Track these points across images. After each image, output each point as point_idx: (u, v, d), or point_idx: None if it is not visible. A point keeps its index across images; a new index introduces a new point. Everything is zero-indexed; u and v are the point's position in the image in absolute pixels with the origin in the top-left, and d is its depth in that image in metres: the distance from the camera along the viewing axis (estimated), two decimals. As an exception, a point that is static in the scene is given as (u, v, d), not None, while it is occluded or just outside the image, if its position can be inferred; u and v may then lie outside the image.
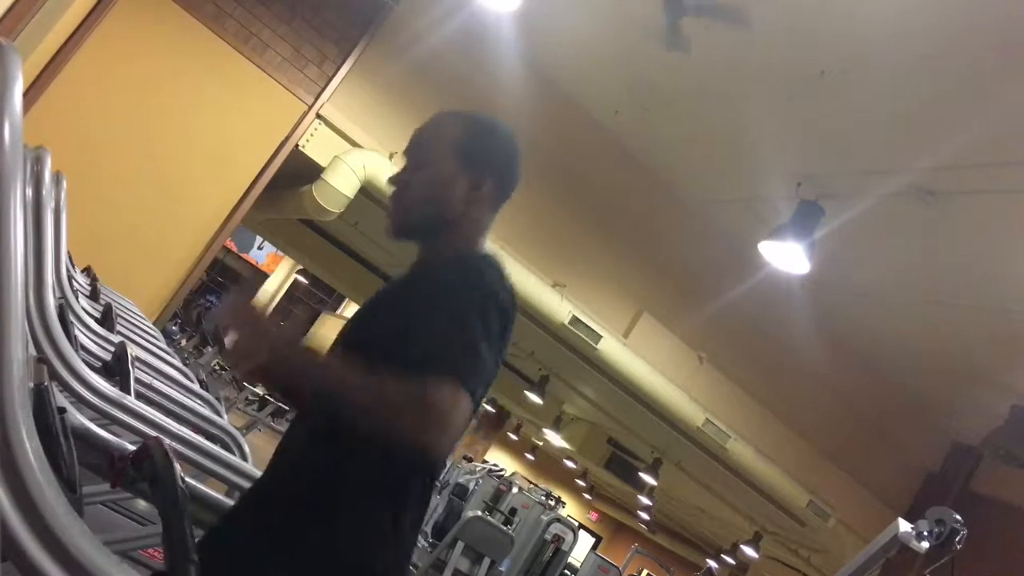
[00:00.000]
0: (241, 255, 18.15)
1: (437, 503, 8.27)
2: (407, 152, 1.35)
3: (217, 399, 3.47)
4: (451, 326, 1.11)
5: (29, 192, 1.74)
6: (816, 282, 5.46)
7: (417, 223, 1.32)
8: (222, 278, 19.47)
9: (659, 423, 6.95)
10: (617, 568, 8.25)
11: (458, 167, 1.30)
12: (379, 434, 1.05)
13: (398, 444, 1.05)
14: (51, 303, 1.74)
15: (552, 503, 9.79)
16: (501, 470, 11.07)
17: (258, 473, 1.86)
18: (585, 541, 16.81)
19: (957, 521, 2.56)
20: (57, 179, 2.39)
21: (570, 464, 16.44)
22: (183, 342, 9.27)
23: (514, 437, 17.78)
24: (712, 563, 12.10)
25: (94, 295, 2.97)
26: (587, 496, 19.81)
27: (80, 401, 1.66)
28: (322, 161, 5.29)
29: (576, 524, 8.54)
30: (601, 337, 5.99)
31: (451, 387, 1.04)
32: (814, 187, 4.72)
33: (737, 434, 6.60)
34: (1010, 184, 4.00)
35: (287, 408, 9.84)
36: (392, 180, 1.34)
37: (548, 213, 5.90)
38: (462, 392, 1.04)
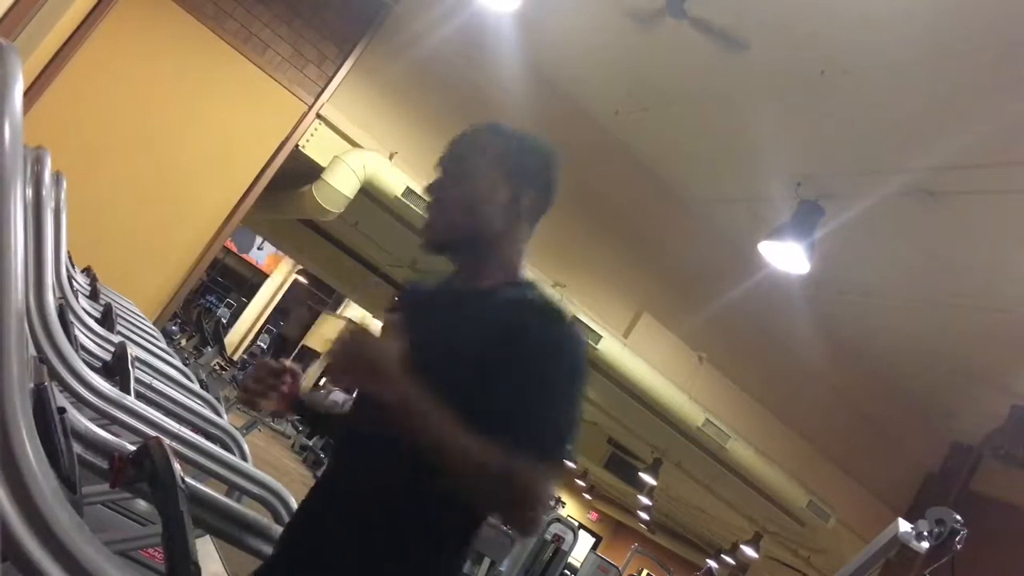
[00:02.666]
0: (241, 255, 18.15)
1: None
2: (443, 164, 1.31)
3: (217, 399, 3.46)
4: (552, 410, 1.11)
5: (29, 192, 1.74)
6: (816, 282, 5.46)
7: (457, 237, 1.27)
8: (222, 278, 19.48)
9: (659, 423, 6.94)
10: (617, 568, 8.25)
11: (499, 180, 1.27)
12: (476, 499, 1.08)
13: (489, 512, 1.09)
14: (51, 303, 1.74)
15: (552, 503, 9.77)
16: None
17: (257, 473, 1.86)
18: (585, 541, 16.81)
19: (957, 521, 2.57)
20: (57, 179, 2.39)
21: (570, 464, 16.42)
22: (183, 342, 9.27)
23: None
24: (712, 563, 12.10)
25: (94, 295, 2.97)
26: (587, 496, 19.80)
27: (80, 401, 1.66)
28: (322, 161, 5.29)
29: (576, 524, 8.53)
30: (601, 337, 5.99)
31: (551, 478, 1.06)
32: (814, 187, 4.72)
33: (737, 434, 6.59)
34: (1010, 184, 4.00)
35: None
36: (429, 190, 1.29)
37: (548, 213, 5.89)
38: (555, 479, 1.08)
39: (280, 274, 19.21)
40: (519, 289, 1.25)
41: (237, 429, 2.32)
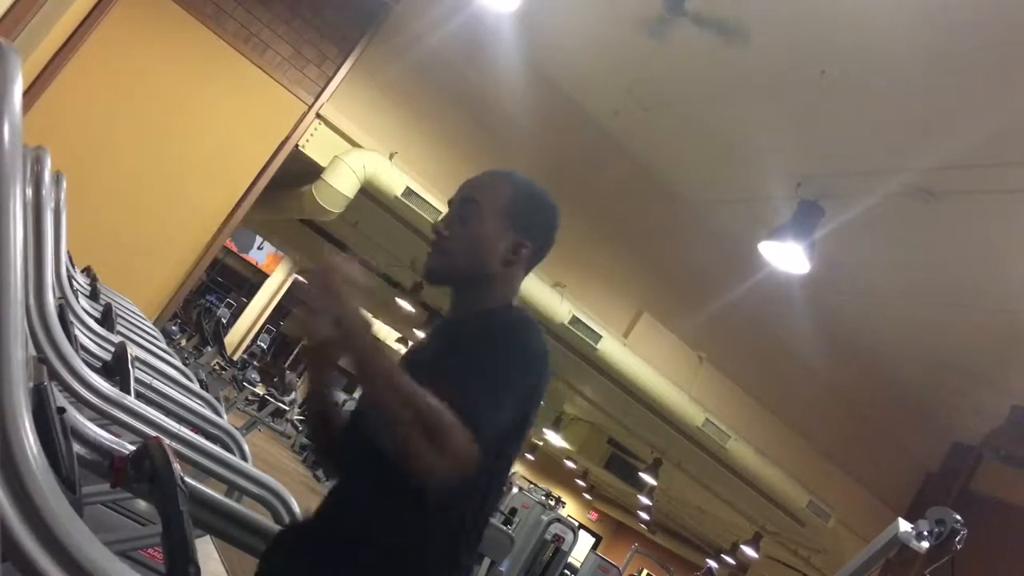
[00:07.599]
0: (241, 255, 18.16)
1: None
2: (455, 203, 1.37)
3: (217, 399, 3.46)
4: (478, 381, 1.13)
5: (29, 192, 1.74)
6: (816, 282, 5.45)
7: (455, 275, 1.34)
8: (222, 278, 19.48)
9: (659, 423, 6.95)
10: (617, 568, 8.25)
11: (503, 228, 1.33)
12: (397, 444, 1.06)
13: (405, 461, 1.05)
14: (51, 303, 1.74)
15: (552, 503, 9.79)
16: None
17: (257, 473, 1.86)
18: (585, 541, 16.81)
19: (957, 521, 2.57)
20: (57, 179, 2.38)
21: (570, 464, 16.44)
22: (183, 342, 9.25)
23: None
24: (712, 563, 12.10)
25: (94, 295, 2.97)
26: (587, 496, 19.81)
27: (80, 401, 1.65)
28: (322, 161, 5.29)
29: (576, 524, 8.54)
30: (601, 337, 5.99)
31: (470, 440, 1.05)
32: (814, 187, 4.72)
33: (737, 434, 6.60)
34: (1010, 184, 4.00)
35: (284, 407, 9.83)
36: (436, 228, 1.35)
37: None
38: (475, 448, 1.06)
39: (280, 274, 19.21)
40: (492, 311, 1.32)
41: (237, 429, 2.32)
